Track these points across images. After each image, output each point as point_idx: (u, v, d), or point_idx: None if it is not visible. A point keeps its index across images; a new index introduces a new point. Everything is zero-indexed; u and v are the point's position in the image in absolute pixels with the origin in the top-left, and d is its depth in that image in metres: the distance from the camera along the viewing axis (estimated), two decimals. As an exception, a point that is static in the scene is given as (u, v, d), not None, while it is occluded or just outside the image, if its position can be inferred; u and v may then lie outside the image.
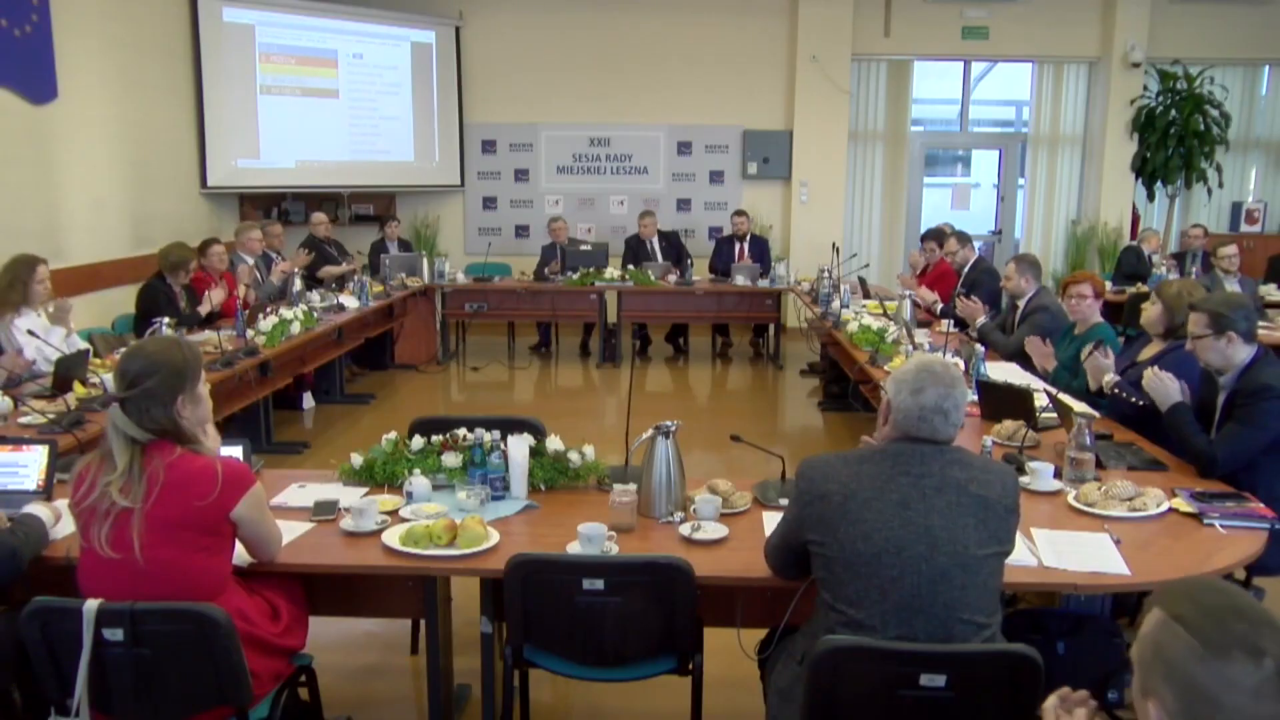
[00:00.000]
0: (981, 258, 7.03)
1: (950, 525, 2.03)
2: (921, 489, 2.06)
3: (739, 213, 8.92)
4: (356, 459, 3.08)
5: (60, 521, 2.57)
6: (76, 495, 2.21)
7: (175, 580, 2.16)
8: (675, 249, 8.96)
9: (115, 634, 2.10)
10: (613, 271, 8.36)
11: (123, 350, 2.28)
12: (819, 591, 2.15)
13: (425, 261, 8.43)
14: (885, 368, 4.85)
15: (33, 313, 4.69)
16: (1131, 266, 8.43)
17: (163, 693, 2.16)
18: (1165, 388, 3.29)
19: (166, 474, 2.16)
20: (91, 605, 2.09)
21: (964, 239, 6.95)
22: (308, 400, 6.87)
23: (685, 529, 2.65)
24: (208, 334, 5.44)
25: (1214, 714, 1.19)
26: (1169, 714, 1.23)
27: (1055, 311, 5.07)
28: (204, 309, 6.02)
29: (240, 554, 2.38)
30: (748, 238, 8.86)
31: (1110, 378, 3.21)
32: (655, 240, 8.88)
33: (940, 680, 1.93)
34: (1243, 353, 3.19)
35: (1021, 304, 5.41)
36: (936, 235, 7.50)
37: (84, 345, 4.78)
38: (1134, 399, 3.45)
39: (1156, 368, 3.39)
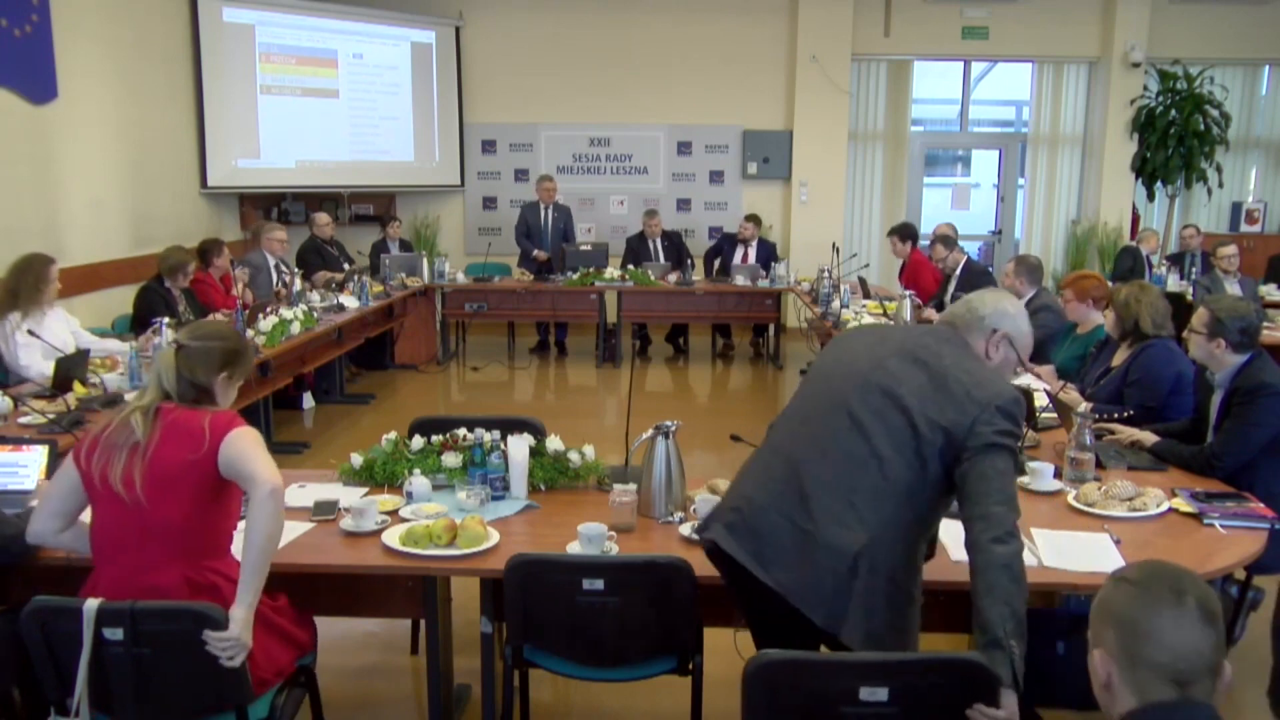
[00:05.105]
0: (971, 259, 6.98)
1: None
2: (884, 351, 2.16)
3: (750, 218, 8.82)
4: (356, 459, 3.08)
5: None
6: (89, 443, 2.25)
7: (181, 534, 2.19)
8: (677, 249, 8.94)
9: (115, 633, 2.10)
10: (613, 271, 8.36)
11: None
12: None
13: (425, 261, 8.43)
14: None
15: (38, 311, 4.70)
16: (1127, 267, 8.42)
17: (162, 692, 2.16)
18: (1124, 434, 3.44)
19: (164, 429, 2.22)
20: (92, 605, 2.09)
21: (950, 243, 6.81)
22: (308, 400, 6.87)
23: (685, 529, 2.65)
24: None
25: (1144, 645, 1.41)
26: (1111, 655, 1.45)
27: (1058, 311, 5.07)
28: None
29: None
30: (754, 243, 8.82)
31: (1085, 406, 3.25)
32: (659, 240, 8.88)
33: (882, 694, 1.84)
34: (1229, 360, 3.21)
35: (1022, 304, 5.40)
36: (899, 231, 7.78)
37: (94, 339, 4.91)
38: (1114, 415, 3.48)
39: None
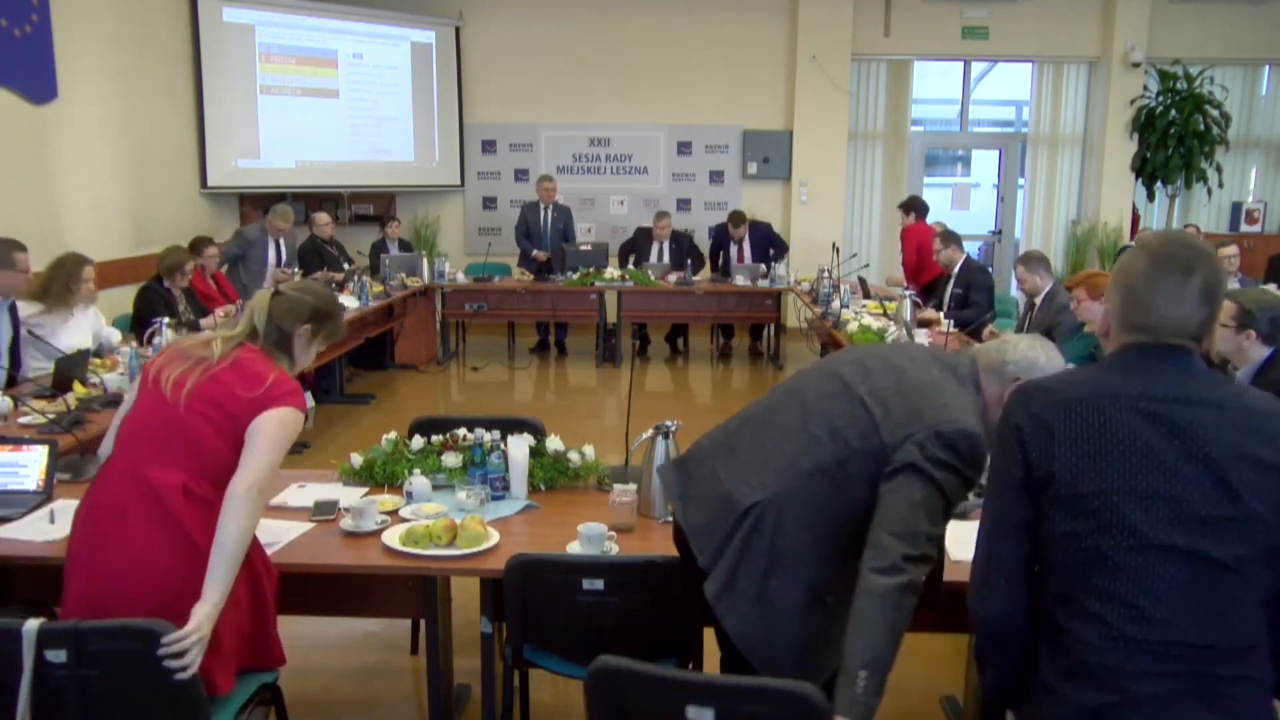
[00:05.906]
0: (970, 258, 6.96)
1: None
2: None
3: (734, 219, 8.69)
4: (356, 459, 3.08)
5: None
6: (164, 349, 2.37)
7: (199, 450, 2.18)
8: (683, 251, 8.88)
9: (58, 655, 1.96)
10: (613, 271, 8.36)
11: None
12: None
13: (425, 261, 8.43)
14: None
15: (64, 310, 4.71)
16: None
17: (112, 716, 2.04)
18: None
19: (237, 359, 2.27)
20: (31, 626, 1.96)
21: (948, 239, 6.78)
22: (308, 400, 6.84)
23: (685, 529, 2.64)
24: (208, 334, 5.42)
25: (1139, 312, 1.56)
26: (1113, 313, 1.62)
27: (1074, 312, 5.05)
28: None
29: None
30: (745, 240, 8.78)
31: None
32: (665, 242, 8.81)
33: (708, 716, 1.75)
34: (1256, 352, 3.21)
35: (1039, 301, 5.34)
36: (903, 205, 8.29)
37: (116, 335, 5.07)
38: None
39: None
